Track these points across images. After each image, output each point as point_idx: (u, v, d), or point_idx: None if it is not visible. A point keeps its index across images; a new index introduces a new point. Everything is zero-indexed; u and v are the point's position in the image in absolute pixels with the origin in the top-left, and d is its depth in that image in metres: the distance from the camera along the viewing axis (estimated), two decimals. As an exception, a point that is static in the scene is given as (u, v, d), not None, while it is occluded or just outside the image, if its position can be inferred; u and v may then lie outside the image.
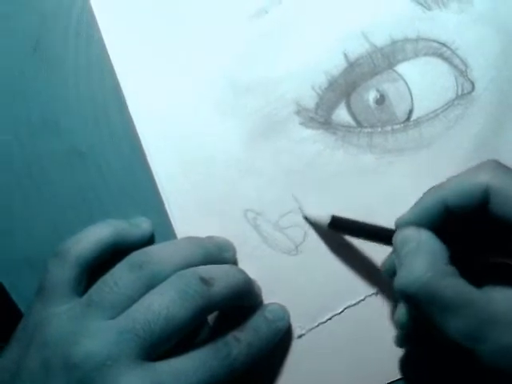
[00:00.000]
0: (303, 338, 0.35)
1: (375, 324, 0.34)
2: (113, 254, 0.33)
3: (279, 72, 0.35)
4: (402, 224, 0.30)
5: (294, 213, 0.35)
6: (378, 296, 0.35)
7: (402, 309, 0.30)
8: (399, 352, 0.34)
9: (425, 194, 0.29)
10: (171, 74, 0.36)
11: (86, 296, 0.31)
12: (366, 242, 0.33)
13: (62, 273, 0.32)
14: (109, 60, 0.36)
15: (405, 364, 0.34)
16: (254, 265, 0.35)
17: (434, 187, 0.29)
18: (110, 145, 0.36)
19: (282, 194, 0.35)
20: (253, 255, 0.35)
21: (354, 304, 0.35)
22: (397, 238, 0.30)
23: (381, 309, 0.34)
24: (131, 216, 0.35)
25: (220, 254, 0.34)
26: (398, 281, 0.27)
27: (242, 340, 0.31)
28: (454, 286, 0.26)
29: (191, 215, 0.35)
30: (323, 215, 0.33)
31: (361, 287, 0.35)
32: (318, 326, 0.35)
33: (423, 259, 0.27)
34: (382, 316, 0.34)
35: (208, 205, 0.35)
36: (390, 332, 0.33)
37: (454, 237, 0.29)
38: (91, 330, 0.29)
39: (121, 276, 0.31)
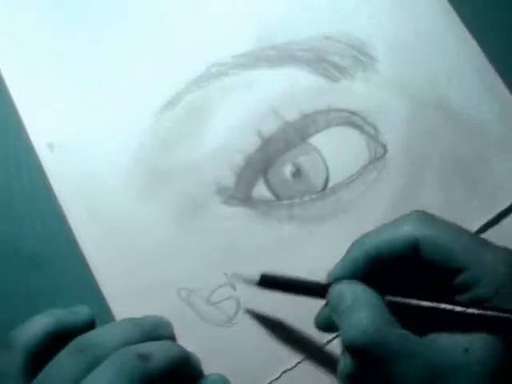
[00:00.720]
0: (246, 405, 0.36)
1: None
2: (57, 340, 0.35)
3: (197, 155, 0.37)
4: (333, 277, 0.31)
5: (224, 287, 0.37)
6: (317, 356, 0.36)
7: (346, 360, 0.31)
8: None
9: (352, 245, 0.31)
10: (95, 161, 0.38)
11: (34, 382, 0.33)
12: (296, 298, 0.34)
13: (11, 361, 0.34)
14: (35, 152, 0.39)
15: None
16: (191, 339, 0.36)
17: (360, 238, 0.31)
18: (45, 236, 0.38)
19: (211, 270, 0.37)
20: (189, 330, 0.36)
21: (292, 368, 0.36)
22: (331, 294, 0.31)
23: (319, 369, 0.36)
24: (71, 303, 0.38)
25: (157, 331, 0.36)
26: (344, 337, 0.28)
27: None
28: (399, 336, 0.27)
29: (127, 299, 0.37)
30: (252, 273, 0.34)
31: (297, 350, 0.36)
32: (259, 392, 0.36)
33: (365, 313, 0.28)
34: (321, 377, 0.36)
35: (142, 287, 0.37)
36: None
37: (386, 284, 0.30)
38: None
39: (65, 361, 0.32)
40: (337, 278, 0.31)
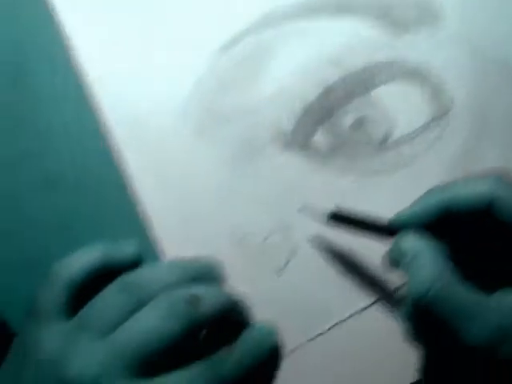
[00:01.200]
0: (291, 355, 0.35)
1: (365, 340, 0.34)
2: (102, 276, 0.34)
3: (256, 99, 0.36)
4: (399, 222, 0.30)
5: (278, 234, 0.36)
6: (368, 311, 0.35)
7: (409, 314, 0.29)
8: (389, 367, 0.34)
9: (425, 193, 0.30)
10: (150, 102, 0.37)
11: (76, 318, 0.32)
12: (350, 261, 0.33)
13: (53, 296, 0.33)
14: (85, 84, 0.38)
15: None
16: (241, 284, 0.35)
17: (435, 188, 0.30)
18: (95, 169, 0.37)
19: (265, 216, 0.36)
20: (240, 275, 0.35)
21: (342, 321, 0.35)
22: (398, 243, 0.29)
23: (371, 324, 0.34)
24: (118, 238, 0.36)
25: (207, 273, 0.34)
26: (410, 293, 0.27)
27: (232, 357, 0.32)
28: (465, 292, 0.26)
29: (178, 237, 0.36)
30: (322, 208, 0.33)
31: (348, 303, 0.35)
32: (307, 342, 0.35)
33: (430, 268, 0.27)
34: (373, 331, 0.34)
35: (195, 230, 0.36)
36: (379, 347, 0.34)
37: (455, 241, 0.29)
38: (82, 351, 0.30)
39: (110, 297, 0.31)
40: (405, 223, 0.30)
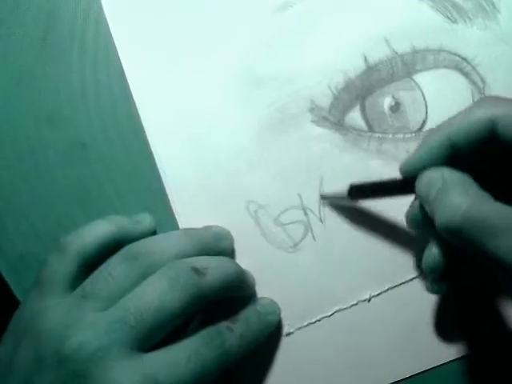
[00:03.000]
0: (291, 336, 0.34)
1: (365, 329, 0.34)
2: (114, 250, 0.32)
3: (297, 67, 0.35)
4: (409, 169, 0.29)
5: (295, 209, 0.35)
6: (371, 302, 0.34)
7: (434, 250, 0.29)
8: (387, 358, 0.34)
9: (428, 134, 0.29)
10: (183, 62, 0.36)
11: (80, 288, 0.31)
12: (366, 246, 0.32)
13: (61, 267, 0.32)
14: (115, 53, 0.36)
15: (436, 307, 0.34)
16: (249, 257, 0.35)
17: (436, 126, 0.29)
18: (115, 138, 0.36)
19: (286, 189, 0.35)
20: (250, 247, 0.35)
21: (346, 308, 0.34)
22: (420, 183, 0.29)
23: (372, 315, 0.34)
24: (135, 209, 0.35)
25: (216, 244, 0.34)
26: (439, 220, 0.26)
27: (234, 331, 0.31)
28: (495, 209, 0.25)
29: (194, 204, 0.35)
30: (341, 188, 0.33)
31: (354, 292, 0.34)
32: (307, 325, 0.34)
33: (456, 191, 0.26)
34: (373, 322, 0.34)
35: (211, 195, 0.35)
36: (379, 338, 0.34)
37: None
38: (84, 321, 0.29)
39: (115, 267, 0.30)
40: (412, 170, 0.29)
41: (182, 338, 0.30)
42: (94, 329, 0.28)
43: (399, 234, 0.34)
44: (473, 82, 0.35)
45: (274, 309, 0.34)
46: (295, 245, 0.35)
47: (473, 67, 0.35)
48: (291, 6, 0.35)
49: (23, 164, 0.37)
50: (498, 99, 0.28)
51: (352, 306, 0.34)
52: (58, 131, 0.36)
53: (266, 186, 0.35)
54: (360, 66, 0.35)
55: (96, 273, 0.31)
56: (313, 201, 0.35)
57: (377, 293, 0.34)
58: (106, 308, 0.29)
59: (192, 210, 0.35)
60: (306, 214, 0.35)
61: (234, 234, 0.35)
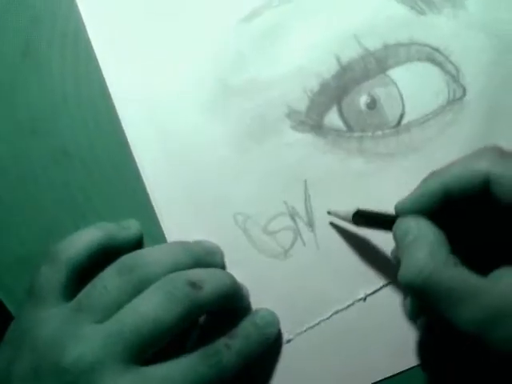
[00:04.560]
0: (291, 342, 0.34)
1: (363, 328, 0.34)
2: (103, 257, 0.33)
3: (271, 74, 0.35)
4: (401, 210, 0.30)
5: (283, 217, 0.35)
6: (367, 300, 0.34)
7: (410, 300, 0.30)
8: (387, 353, 0.34)
9: (425, 179, 0.29)
10: (159, 74, 0.36)
11: (75, 300, 0.31)
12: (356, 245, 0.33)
13: (53, 276, 0.32)
14: (96, 59, 0.36)
15: (419, 349, 0.34)
16: (242, 269, 0.35)
17: (433, 172, 0.29)
18: (99, 145, 0.36)
19: (271, 197, 0.35)
20: (241, 259, 0.35)
21: (343, 309, 0.34)
22: (396, 229, 0.29)
23: (369, 313, 0.34)
24: (121, 216, 0.35)
25: (208, 257, 0.34)
26: (401, 275, 0.27)
27: (232, 347, 0.31)
28: (457, 276, 0.26)
29: (180, 218, 0.35)
30: (347, 209, 0.33)
31: (349, 292, 0.34)
32: (305, 330, 0.34)
33: (424, 251, 0.27)
34: (370, 320, 0.34)
35: (197, 207, 0.35)
36: (378, 335, 0.34)
37: (454, 224, 0.29)
38: (80, 334, 0.29)
39: (110, 280, 0.30)
40: (407, 210, 0.29)
41: (179, 353, 0.30)
42: (91, 342, 0.28)
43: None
44: (447, 72, 0.35)
45: (273, 320, 0.34)
46: (286, 252, 0.35)
47: (445, 57, 0.35)
48: (259, 15, 0.35)
49: (8, 173, 0.37)
50: (498, 154, 0.28)
51: (348, 306, 0.34)
52: (42, 140, 0.36)
53: (251, 196, 0.35)
54: (333, 67, 0.35)
55: (90, 285, 0.31)
56: (299, 206, 0.35)
57: (372, 291, 0.34)
58: (102, 320, 0.29)
59: (179, 221, 0.35)
60: (293, 219, 0.35)
61: (224, 246, 0.35)
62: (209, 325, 0.34)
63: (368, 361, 0.34)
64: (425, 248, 0.27)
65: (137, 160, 0.35)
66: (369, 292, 0.34)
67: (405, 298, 0.32)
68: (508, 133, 0.35)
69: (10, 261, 0.36)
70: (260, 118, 0.35)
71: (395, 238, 0.29)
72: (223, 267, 0.35)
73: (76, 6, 0.37)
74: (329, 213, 0.34)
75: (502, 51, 0.35)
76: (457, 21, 0.35)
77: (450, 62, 0.35)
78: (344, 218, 0.33)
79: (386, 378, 0.34)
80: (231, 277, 0.33)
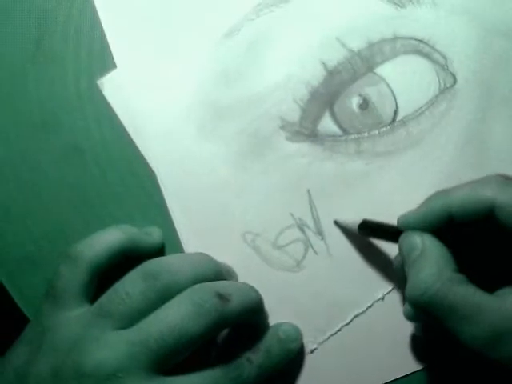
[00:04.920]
0: (315, 352, 0.34)
1: (386, 328, 0.34)
2: (123, 260, 0.32)
3: (258, 89, 0.35)
4: (404, 225, 0.30)
5: (291, 229, 0.35)
6: (386, 300, 0.34)
7: (409, 308, 0.30)
8: (410, 351, 0.34)
9: (430, 197, 0.29)
10: (152, 100, 0.36)
11: (96, 304, 0.31)
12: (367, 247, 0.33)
13: (74, 277, 0.31)
14: (111, 55, 0.36)
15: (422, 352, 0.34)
16: (257, 286, 0.34)
17: (439, 192, 0.29)
18: (112, 142, 0.36)
19: (276, 211, 0.35)
20: (255, 277, 0.34)
21: (362, 312, 0.34)
22: (402, 244, 0.29)
23: (390, 312, 0.34)
24: (133, 216, 0.35)
25: (227, 276, 0.34)
26: (409, 293, 0.28)
27: (253, 361, 0.31)
28: (463, 293, 0.26)
29: (188, 241, 0.35)
30: (353, 219, 0.33)
31: (367, 294, 0.34)
32: (328, 338, 0.34)
33: (430, 268, 0.27)
34: (392, 318, 0.34)
35: (204, 233, 0.35)
36: (401, 333, 0.34)
37: (459, 243, 0.29)
38: (102, 339, 0.29)
39: (133, 286, 0.30)
40: (407, 227, 0.29)
41: (200, 365, 0.30)
42: (115, 349, 0.28)
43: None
44: (435, 61, 0.35)
45: (297, 336, 0.34)
46: (298, 263, 0.34)
47: (431, 47, 0.35)
48: (239, 30, 0.35)
49: (19, 169, 0.37)
50: (504, 182, 0.28)
51: (367, 308, 0.34)
52: (54, 136, 0.36)
53: (256, 214, 0.35)
54: (320, 73, 0.35)
55: (112, 290, 0.30)
56: (306, 216, 0.35)
57: (389, 289, 0.34)
58: (124, 326, 0.29)
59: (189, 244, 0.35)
60: (302, 230, 0.35)
61: (236, 266, 0.35)
62: (231, 338, 0.34)
63: (391, 359, 0.34)
64: (431, 265, 0.27)
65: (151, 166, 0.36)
66: (386, 291, 0.34)
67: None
68: (502, 115, 0.35)
69: (20, 260, 0.36)
70: (254, 134, 0.35)
71: (400, 252, 0.29)
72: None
73: (92, 1, 0.37)
74: (335, 223, 0.34)
75: (486, 34, 0.35)
76: (437, 9, 0.35)
77: (437, 51, 0.35)
78: (350, 229, 0.33)
79: (411, 373, 0.34)
80: (256, 291, 0.33)
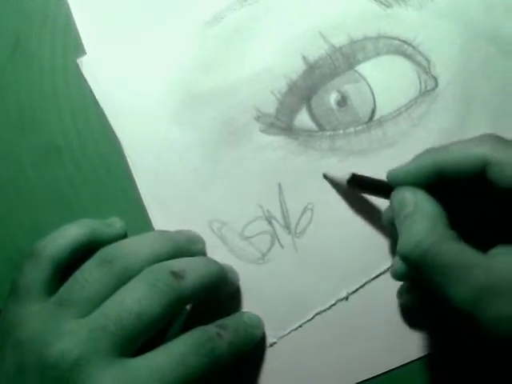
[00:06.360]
0: (275, 346, 0.34)
1: (347, 328, 0.34)
2: (86, 254, 0.32)
3: (236, 78, 0.35)
4: (393, 180, 0.30)
5: (259, 220, 0.34)
6: (350, 300, 0.34)
7: (399, 265, 0.30)
8: (371, 353, 0.34)
9: (421, 153, 0.29)
10: (134, 81, 0.36)
11: (57, 295, 0.31)
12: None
13: (36, 273, 0.31)
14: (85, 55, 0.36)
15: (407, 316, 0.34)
16: (221, 275, 0.34)
17: (430, 149, 0.29)
18: (89, 141, 0.36)
19: (245, 202, 0.34)
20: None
21: (325, 309, 0.34)
22: (394, 199, 0.29)
23: (352, 313, 0.34)
24: (110, 212, 0.35)
25: (190, 246, 0.33)
26: (400, 248, 0.27)
27: (224, 337, 0.31)
28: (456, 250, 0.26)
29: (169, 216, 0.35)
30: (343, 174, 0.33)
31: (331, 292, 0.34)
32: (289, 333, 0.34)
33: (422, 224, 0.27)
34: (354, 320, 0.34)
35: (172, 218, 0.35)
36: (361, 334, 0.33)
37: (449, 202, 0.28)
38: (64, 329, 0.29)
39: (91, 272, 0.30)
40: (401, 181, 0.29)
41: (167, 343, 0.29)
42: (75, 337, 0.28)
43: (372, 226, 0.34)
44: (417, 63, 0.34)
45: (259, 323, 0.34)
46: (264, 256, 0.34)
47: (414, 48, 0.34)
48: (222, 18, 0.35)
49: None
50: (498, 142, 0.27)
51: (331, 306, 0.34)
52: (32, 135, 0.37)
53: (225, 202, 0.34)
54: (300, 66, 0.34)
55: (72, 279, 0.31)
56: (275, 210, 0.34)
57: (353, 289, 0.34)
58: (85, 314, 0.29)
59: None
60: (269, 223, 0.34)
61: (201, 254, 0.34)
62: (195, 316, 0.34)
63: (352, 360, 0.34)
64: (424, 221, 0.27)
65: (127, 159, 0.35)
66: (351, 291, 0.34)
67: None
68: (482, 120, 0.34)
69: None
70: (229, 123, 0.35)
71: (393, 207, 0.29)
72: (205, 255, 0.34)
73: (66, 2, 0.37)
74: (325, 176, 0.34)
75: (470, 38, 0.34)
76: (424, 11, 0.35)
77: (420, 53, 0.34)
78: (339, 182, 0.33)
79: (370, 378, 0.34)
80: (216, 264, 0.32)
